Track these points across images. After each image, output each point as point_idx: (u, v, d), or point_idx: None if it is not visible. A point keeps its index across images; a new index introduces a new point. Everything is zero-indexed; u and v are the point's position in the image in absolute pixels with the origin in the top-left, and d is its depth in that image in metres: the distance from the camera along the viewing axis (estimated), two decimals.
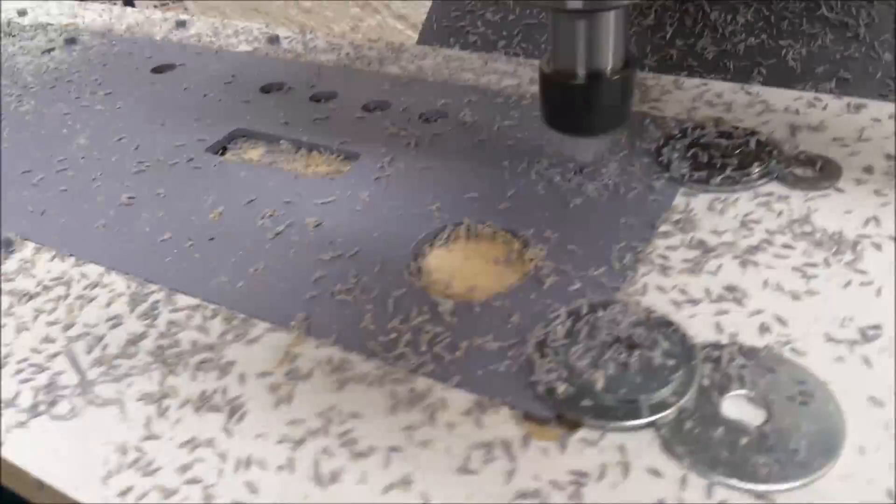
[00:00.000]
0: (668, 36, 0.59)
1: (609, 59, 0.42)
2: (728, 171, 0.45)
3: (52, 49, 0.78)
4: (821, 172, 0.45)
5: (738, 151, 0.47)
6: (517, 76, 0.62)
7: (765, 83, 0.55)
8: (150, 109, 0.63)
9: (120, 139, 0.58)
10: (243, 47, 0.73)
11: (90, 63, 0.73)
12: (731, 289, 0.38)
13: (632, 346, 0.34)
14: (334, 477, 0.31)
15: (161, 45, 0.76)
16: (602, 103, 0.44)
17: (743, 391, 0.32)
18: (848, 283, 0.38)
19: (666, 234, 0.42)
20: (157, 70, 0.70)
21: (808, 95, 0.54)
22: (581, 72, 0.43)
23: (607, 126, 0.45)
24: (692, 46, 0.58)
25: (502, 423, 0.33)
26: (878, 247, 0.40)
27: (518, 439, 0.32)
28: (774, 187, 0.45)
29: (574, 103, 0.44)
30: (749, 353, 0.34)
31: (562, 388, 0.33)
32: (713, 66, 0.56)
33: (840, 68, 0.53)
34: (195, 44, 0.75)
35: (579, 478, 0.30)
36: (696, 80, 0.57)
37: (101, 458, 0.33)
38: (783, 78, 0.54)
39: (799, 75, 0.54)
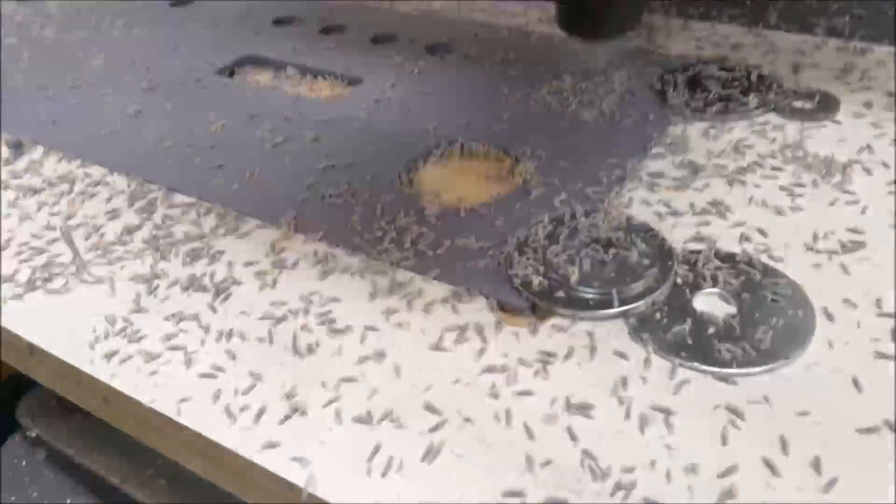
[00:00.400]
0: None
1: None
2: (726, 102, 0.46)
3: None
4: (819, 105, 0.45)
5: (736, 83, 0.47)
6: (526, 16, 0.62)
7: (780, 18, 0.55)
8: (164, 38, 0.64)
9: (133, 62, 0.60)
10: None
11: None
12: (715, 204, 0.38)
13: (609, 245, 0.35)
14: (311, 349, 0.32)
15: None
16: (615, 3, 0.44)
17: (715, 289, 0.33)
18: (834, 202, 0.38)
19: (657, 156, 0.42)
20: (176, 4, 0.71)
21: (816, 39, 0.53)
22: None
23: (619, 27, 0.46)
24: None
25: (477, 311, 0.33)
26: (868, 171, 0.40)
27: (491, 324, 0.32)
28: (771, 118, 0.45)
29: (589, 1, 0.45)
30: (726, 257, 0.34)
31: (537, 280, 0.34)
32: (731, 1, 0.56)
33: (853, 5, 0.53)
34: None
35: (546, 357, 0.30)
36: (704, 23, 0.57)
37: (90, 327, 0.34)
38: (798, 14, 0.54)
39: (814, 11, 0.54)
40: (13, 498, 0.50)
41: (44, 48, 0.64)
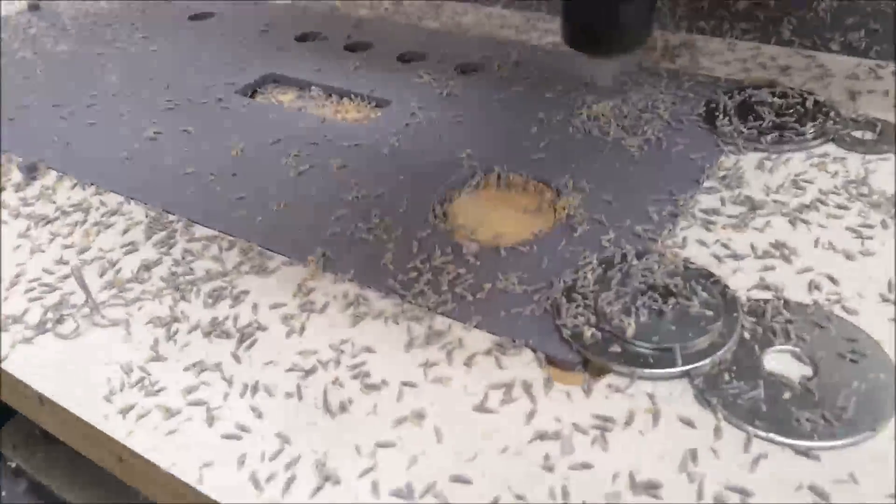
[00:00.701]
0: None
1: None
2: (780, 131, 0.43)
3: None
4: (880, 136, 0.42)
5: (791, 110, 0.44)
6: (558, 34, 0.59)
7: (794, 33, 0.53)
8: (183, 53, 0.62)
9: (151, 79, 0.57)
10: (281, 0, 0.72)
11: (129, 9, 0.72)
12: (778, 245, 0.35)
13: (667, 294, 0.32)
14: (343, 407, 0.29)
15: None
16: (622, 19, 0.44)
17: (787, 346, 0.30)
18: None
19: (710, 190, 0.40)
20: (195, 18, 0.69)
21: (870, 62, 0.50)
22: None
23: (627, 45, 0.45)
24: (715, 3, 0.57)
25: (523, 365, 0.31)
26: None
27: (540, 381, 0.30)
28: (830, 149, 0.42)
29: (596, 19, 0.44)
30: (796, 308, 0.32)
31: (589, 332, 0.31)
32: (744, 16, 0.55)
33: (870, 20, 0.51)
34: None
35: (604, 422, 0.28)
36: (749, 43, 0.54)
37: (104, 377, 0.32)
38: (812, 28, 0.52)
39: (828, 25, 0.52)
40: None
41: (59, 63, 0.62)
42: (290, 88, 0.56)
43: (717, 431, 0.27)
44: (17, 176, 0.47)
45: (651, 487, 0.25)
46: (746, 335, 0.30)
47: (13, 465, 0.49)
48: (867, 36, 0.51)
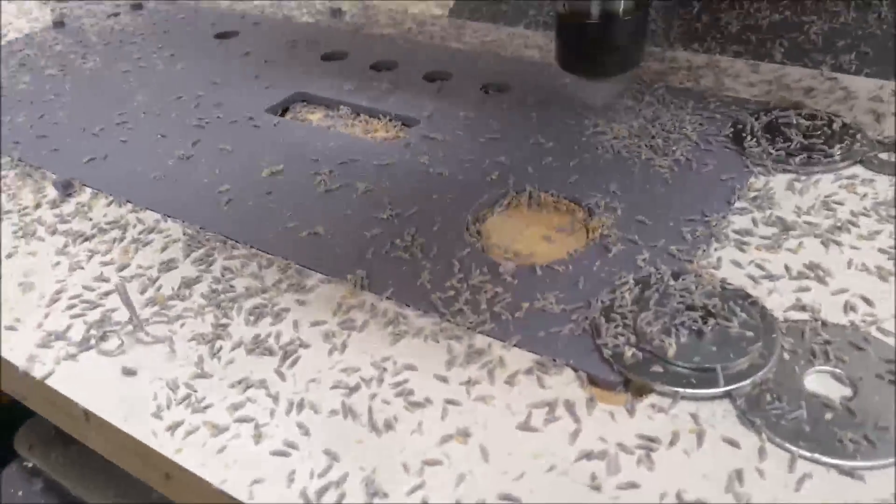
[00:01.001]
0: (695, 10, 0.60)
1: (621, 3, 0.44)
2: (808, 152, 0.43)
3: (118, 13, 0.78)
4: None
5: (818, 132, 0.45)
6: None
7: (785, 56, 0.54)
8: (210, 71, 0.62)
9: (179, 98, 0.58)
10: (306, 18, 0.73)
11: (154, 27, 0.74)
12: (812, 267, 0.36)
13: (706, 315, 0.32)
14: (389, 425, 0.30)
15: (224, 13, 0.76)
16: (614, 42, 0.45)
17: (827, 367, 0.30)
18: None
19: (742, 211, 0.40)
20: (220, 36, 0.70)
21: (891, 84, 0.51)
22: (595, 11, 0.44)
23: (619, 67, 0.46)
24: (717, 21, 0.58)
25: (565, 385, 0.31)
26: None
27: (582, 401, 0.30)
28: (858, 170, 0.43)
29: (588, 42, 0.45)
30: (833, 329, 0.32)
31: (630, 352, 0.31)
32: (735, 39, 0.57)
33: (861, 43, 0.52)
34: (258, 13, 0.75)
35: (649, 443, 0.28)
36: (773, 65, 0.55)
37: (150, 394, 0.32)
38: (803, 52, 0.54)
39: (819, 49, 0.53)
40: None
41: (86, 80, 0.63)
42: (319, 108, 0.57)
43: (762, 452, 0.27)
44: (52, 193, 0.47)
45: None
46: (786, 356, 0.31)
47: (29, 465, 0.50)
48: (857, 59, 0.53)
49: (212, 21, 0.74)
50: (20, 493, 0.50)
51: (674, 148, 0.46)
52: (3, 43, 0.73)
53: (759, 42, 0.57)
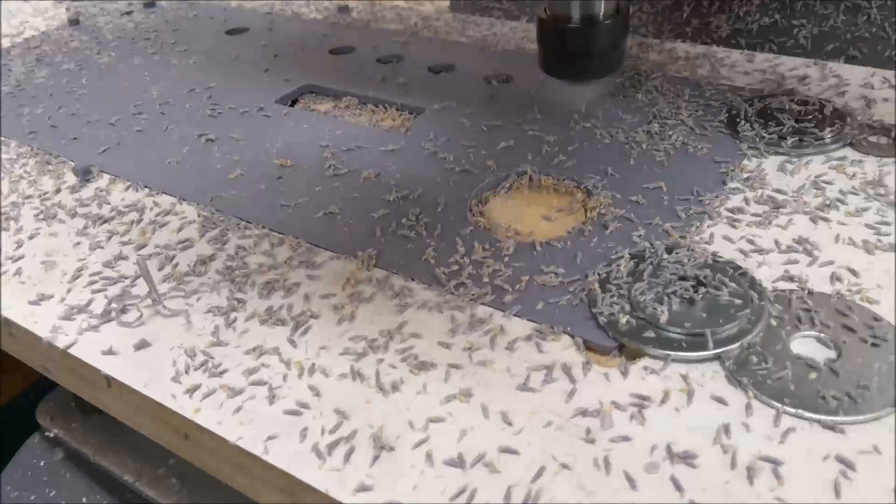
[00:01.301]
0: (685, 15, 0.61)
1: (601, 6, 0.46)
2: (800, 136, 0.45)
3: (131, 11, 0.81)
4: (895, 140, 0.44)
5: (810, 117, 0.46)
6: None
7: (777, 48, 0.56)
8: (222, 65, 0.64)
9: (192, 90, 0.60)
10: (314, 15, 0.75)
11: (167, 24, 0.76)
12: (801, 241, 0.37)
13: (698, 284, 0.34)
14: (395, 386, 0.31)
15: (235, 10, 0.78)
16: (595, 46, 0.47)
17: (813, 332, 0.32)
18: None
19: (734, 190, 0.42)
20: (231, 32, 0.72)
21: (884, 72, 0.52)
22: (575, 16, 0.46)
23: (600, 70, 0.48)
24: (707, 24, 0.59)
25: (562, 350, 0.33)
26: None
27: (579, 364, 0.32)
28: (847, 152, 0.44)
29: (569, 46, 0.48)
30: (819, 298, 0.33)
31: (624, 320, 0.33)
32: (725, 42, 0.58)
33: (850, 46, 0.54)
34: (268, 11, 0.77)
35: (641, 401, 0.30)
36: (768, 55, 0.57)
37: (169, 361, 0.34)
38: (792, 55, 0.55)
39: (809, 52, 0.55)
40: (32, 497, 0.51)
41: (102, 74, 0.65)
42: (327, 98, 0.58)
43: (748, 408, 0.29)
44: (70, 179, 0.49)
45: (687, 457, 0.27)
46: (773, 322, 0.32)
47: (51, 435, 0.52)
48: (847, 62, 0.54)
49: (223, 18, 0.76)
50: (42, 462, 0.52)
51: (670, 133, 0.47)
52: (19, 40, 0.75)
53: (749, 46, 0.58)
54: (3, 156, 0.53)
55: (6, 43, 0.75)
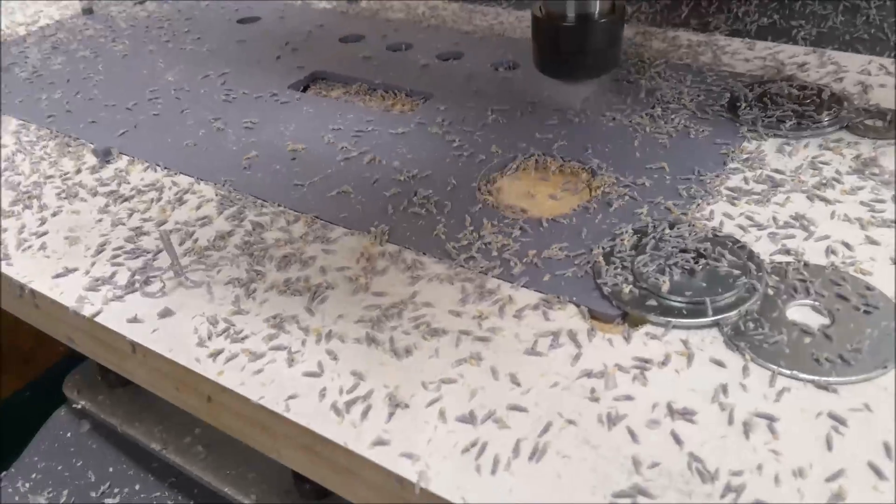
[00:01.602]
0: (683, 15, 0.62)
1: (596, 4, 0.46)
2: (799, 119, 0.46)
3: (144, 1, 0.82)
4: (890, 123, 0.46)
5: (808, 101, 0.48)
6: None
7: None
8: (235, 53, 0.66)
9: (206, 76, 0.62)
10: (324, 5, 0.76)
11: (179, 14, 0.77)
12: (798, 218, 0.39)
13: (698, 256, 0.35)
14: (409, 351, 0.33)
15: (246, 0, 0.79)
16: (590, 45, 0.47)
17: (808, 300, 0.33)
18: None
19: (734, 171, 0.43)
20: (243, 21, 0.73)
21: (882, 59, 0.54)
22: (571, 15, 0.47)
23: (596, 70, 0.49)
24: (706, 25, 0.60)
25: (568, 318, 0.34)
26: None
27: (584, 331, 0.33)
28: (844, 135, 0.45)
29: (564, 45, 0.48)
30: (815, 269, 0.35)
31: (627, 289, 0.34)
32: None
33: (848, 48, 0.55)
34: (278, 1, 0.78)
35: (643, 363, 0.31)
36: (769, 42, 0.58)
37: (192, 328, 0.35)
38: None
39: (807, 53, 0.56)
40: (59, 467, 0.52)
41: (117, 60, 0.67)
42: (338, 85, 0.60)
43: (745, 370, 0.30)
44: (90, 160, 0.51)
45: (687, 414, 0.29)
46: (770, 291, 0.34)
47: (78, 406, 0.54)
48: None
49: (234, 8, 0.77)
50: (69, 434, 0.54)
51: (672, 117, 0.49)
52: (34, 28, 0.77)
53: (748, 47, 0.59)
54: (23, 138, 0.55)
55: (21, 31, 0.77)
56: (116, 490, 0.50)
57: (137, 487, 0.50)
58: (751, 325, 0.32)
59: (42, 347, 0.80)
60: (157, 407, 0.49)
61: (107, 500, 0.50)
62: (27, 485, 0.52)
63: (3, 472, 0.54)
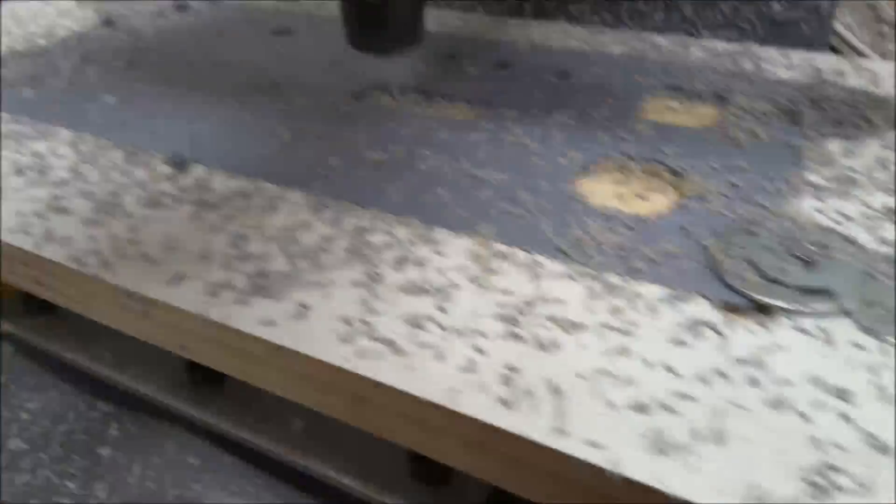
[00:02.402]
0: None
1: None
2: (855, 121, 0.49)
3: (164, 13, 0.81)
4: None
5: (860, 105, 0.51)
6: (625, 44, 0.65)
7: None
8: (280, 63, 0.66)
9: (257, 85, 0.61)
10: None
11: (205, 26, 0.76)
12: (886, 211, 0.41)
13: (812, 246, 0.37)
14: (554, 344, 0.34)
15: (273, 12, 0.79)
16: (392, 20, 0.51)
17: None
18: None
19: (812, 170, 0.45)
20: (276, 33, 0.73)
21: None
22: None
23: (400, 44, 0.53)
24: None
25: (700, 310, 0.35)
26: None
27: (720, 321, 0.35)
28: None
29: (369, 20, 0.52)
30: None
31: (752, 279, 0.36)
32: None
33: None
34: (307, 13, 0.79)
35: (786, 349, 0.33)
36: (805, 53, 0.61)
37: (327, 329, 0.35)
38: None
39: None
40: None
41: (158, 72, 0.66)
42: (394, 94, 0.60)
43: (885, 351, 0.32)
44: (165, 169, 0.50)
45: (841, 392, 0.30)
46: (886, 280, 0.36)
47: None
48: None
49: (263, 19, 0.77)
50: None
51: (736, 119, 0.51)
52: (55, 40, 0.75)
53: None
54: (83, 148, 0.54)
55: (42, 42, 0.75)
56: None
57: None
58: (878, 309, 0.34)
59: None
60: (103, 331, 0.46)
61: None
62: None
63: None
